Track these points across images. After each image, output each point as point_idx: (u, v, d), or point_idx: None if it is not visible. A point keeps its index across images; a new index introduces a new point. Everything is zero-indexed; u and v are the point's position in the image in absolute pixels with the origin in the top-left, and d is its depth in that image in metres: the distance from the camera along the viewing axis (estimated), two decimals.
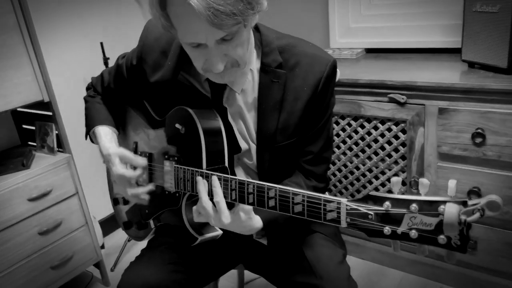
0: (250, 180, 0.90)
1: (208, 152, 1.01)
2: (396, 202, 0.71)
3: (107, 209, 2.48)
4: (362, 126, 1.85)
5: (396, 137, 1.77)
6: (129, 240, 2.34)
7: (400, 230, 0.71)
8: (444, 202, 0.67)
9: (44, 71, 1.77)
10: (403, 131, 1.75)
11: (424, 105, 1.64)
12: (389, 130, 1.78)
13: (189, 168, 1.03)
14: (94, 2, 2.29)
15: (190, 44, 0.89)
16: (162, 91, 1.11)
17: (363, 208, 0.74)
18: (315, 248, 1.11)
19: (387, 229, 0.72)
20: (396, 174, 1.83)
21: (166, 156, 1.11)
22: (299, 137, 1.06)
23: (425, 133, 1.67)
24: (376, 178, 1.90)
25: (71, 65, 2.23)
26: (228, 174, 0.97)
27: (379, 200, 0.73)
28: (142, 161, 1.12)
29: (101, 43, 2.09)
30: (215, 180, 0.92)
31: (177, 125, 1.06)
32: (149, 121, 1.20)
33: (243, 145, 1.09)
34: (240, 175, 1.14)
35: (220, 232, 1.09)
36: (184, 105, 1.07)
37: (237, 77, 1.03)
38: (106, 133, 1.20)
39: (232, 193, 0.92)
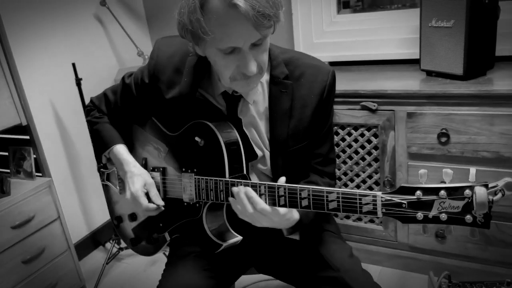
0: (282, 184, 0.99)
1: (230, 162, 1.08)
2: (426, 191, 0.83)
3: (80, 233, 2.42)
4: (337, 133, 1.99)
5: (369, 141, 1.93)
6: (107, 263, 2.29)
7: (431, 214, 0.83)
8: (468, 187, 0.79)
9: (22, 94, 1.73)
10: (375, 136, 1.91)
11: (393, 110, 1.81)
12: (362, 135, 1.94)
13: (211, 178, 1.09)
14: (69, 22, 2.28)
15: (224, 50, 0.95)
16: (177, 107, 1.16)
17: (397, 198, 0.85)
18: (327, 244, 1.21)
19: (419, 215, 0.84)
20: (370, 176, 1.99)
21: (184, 169, 1.16)
22: (309, 141, 1.17)
23: (396, 136, 1.84)
24: (352, 180, 2.05)
25: (45, 87, 2.19)
26: (248, 180, 1.05)
27: (410, 190, 0.84)
28: (160, 202, 1.18)
29: (73, 64, 2.07)
30: (250, 191, 1.00)
31: (196, 138, 1.12)
32: (160, 136, 1.24)
33: (258, 152, 1.17)
34: (254, 180, 1.21)
35: (240, 237, 1.15)
36: (200, 119, 1.13)
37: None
38: (127, 152, 1.25)
39: (262, 197, 1.00)
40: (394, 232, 2.00)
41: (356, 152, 1.99)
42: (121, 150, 1.25)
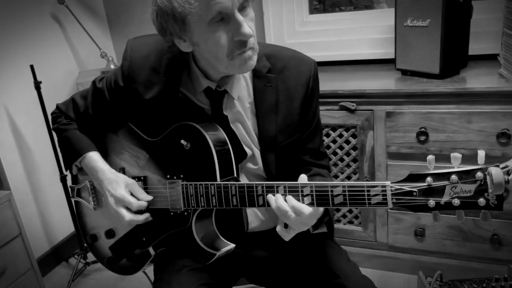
0: (281, 182, 0.93)
1: (220, 164, 1.01)
2: (436, 177, 0.80)
3: (41, 249, 2.24)
4: None
5: (347, 142, 1.91)
6: (73, 280, 2.13)
7: (443, 200, 0.80)
8: (480, 169, 0.78)
9: None
10: (354, 136, 1.89)
11: (372, 110, 1.80)
12: (340, 136, 1.92)
13: (201, 183, 1.02)
14: (24, 21, 2.11)
15: (212, 20, 0.88)
16: (157, 108, 1.08)
17: (407, 186, 0.82)
18: (323, 249, 1.16)
19: (431, 202, 0.81)
20: (348, 177, 1.97)
21: (169, 176, 1.07)
22: (299, 135, 1.12)
23: (375, 136, 1.83)
24: None
25: (0, 91, 2.01)
26: (239, 183, 0.99)
27: (420, 178, 0.82)
28: (147, 197, 1.10)
29: (32, 66, 1.91)
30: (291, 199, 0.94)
31: (182, 142, 1.04)
32: (139, 143, 1.15)
33: (247, 151, 1.11)
34: (244, 181, 1.15)
35: (233, 245, 1.08)
36: (182, 121, 1.06)
37: (234, 82, 1.07)
38: (101, 159, 1.15)
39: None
40: (373, 233, 2.00)
41: (335, 153, 1.96)
42: (94, 157, 1.15)
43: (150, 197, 1.10)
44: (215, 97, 1.08)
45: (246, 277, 1.26)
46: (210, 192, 1.01)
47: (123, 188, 1.09)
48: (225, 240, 1.09)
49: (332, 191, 0.88)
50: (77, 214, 1.31)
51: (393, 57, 1.93)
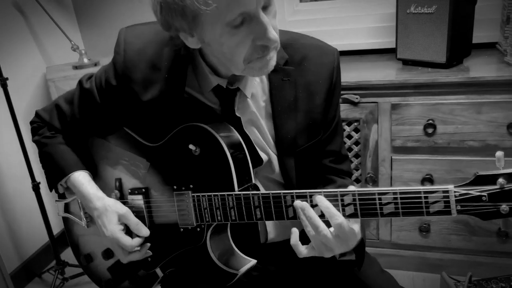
0: (314, 190, 0.81)
1: (237, 171, 0.87)
2: (509, 177, 0.70)
3: (11, 265, 2.00)
4: None
5: (349, 136, 1.81)
6: None
7: None
8: None
9: None
10: (356, 130, 1.79)
11: (377, 102, 1.70)
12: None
13: (216, 194, 0.87)
14: None
15: (233, 21, 0.74)
16: (158, 110, 0.92)
17: (474, 191, 0.71)
18: None
19: (504, 207, 0.70)
20: None
21: (176, 187, 0.92)
22: (321, 136, 0.99)
23: (379, 130, 1.74)
24: None
25: None
26: (258, 191, 0.85)
27: (489, 179, 0.71)
28: (146, 231, 0.95)
29: None
30: (323, 200, 0.79)
31: (190, 146, 0.88)
32: (137, 150, 0.99)
33: (262, 156, 0.97)
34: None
35: (254, 261, 0.94)
36: (188, 122, 0.90)
37: (248, 79, 0.92)
38: (88, 180, 0.99)
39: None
40: (376, 230, 1.91)
41: None
42: (80, 179, 0.99)
43: (147, 232, 0.96)
44: (226, 96, 0.93)
45: None
46: (228, 204, 0.86)
47: (115, 223, 0.94)
48: (245, 256, 0.94)
49: (380, 198, 0.76)
50: (66, 232, 1.13)
51: (392, 46, 1.85)
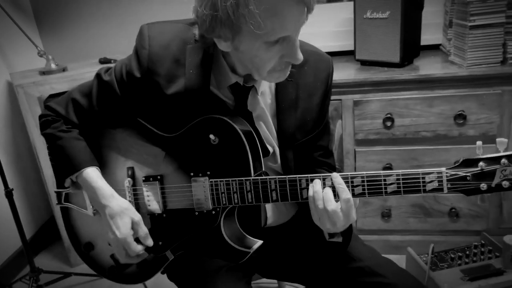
0: (327, 174, 0.92)
1: (253, 158, 0.97)
2: (488, 161, 0.85)
3: None
4: None
5: None
6: None
7: (494, 183, 0.85)
8: None
9: None
10: None
11: (340, 100, 1.86)
12: None
13: (234, 179, 0.97)
14: None
15: (272, 41, 0.85)
16: (179, 103, 1.00)
17: (461, 172, 0.86)
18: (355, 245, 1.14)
19: (483, 185, 0.85)
20: None
21: (192, 173, 1.00)
22: (316, 132, 1.11)
23: (343, 124, 1.90)
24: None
25: None
26: (279, 177, 0.96)
27: (473, 163, 0.86)
28: (151, 242, 1.03)
29: None
30: (337, 177, 0.90)
31: (211, 136, 0.97)
32: (152, 139, 1.06)
33: (269, 148, 1.08)
34: None
35: (261, 241, 1.04)
36: (203, 115, 0.99)
37: None
38: (100, 177, 1.04)
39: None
40: None
41: None
42: (93, 175, 1.03)
43: (151, 243, 1.03)
44: (241, 93, 1.02)
45: (260, 273, 1.22)
46: (246, 188, 0.96)
47: (129, 228, 1.00)
48: (251, 237, 1.04)
49: (385, 180, 0.89)
50: (67, 222, 1.17)
51: (351, 48, 2.02)
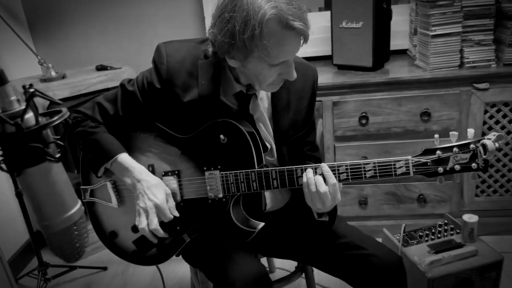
0: (318, 164, 1.13)
1: (256, 154, 1.17)
2: (443, 149, 1.08)
3: None
4: None
5: None
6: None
7: (448, 167, 1.08)
8: (473, 142, 1.06)
9: None
10: None
11: (321, 101, 2.08)
12: None
13: (241, 171, 1.17)
14: None
15: (276, 64, 1.06)
16: (194, 109, 1.19)
17: (423, 158, 1.08)
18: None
19: (440, 169, 1.08)
20: None
21: (206, 168, 1.20)
22: (305, 130, 1.33)
23: (323, 123, 2.12)
24: None
25: None
26: (279, 167, 1.17)
27: (432, 152, 1.08)
28: (177, 213, 1.20)
29: None
30: (325, 166, 1.12)
31: (221, 136, 1.17)
32: (169, 140, 1.24)
33: (267, 145, 1.28)
34: None
35: (263, 223, 1.24)
36: (212, 119, 1.19)
37: None
38: (133, 160, 1.21)
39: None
40: None
41: None
42: (127, 158, 1.21)
43: (177, 214, 1.20)
44: (244, 99, 1.23)
45: (261, 252, 1.42)
46: (251, 178, 1.16)
47: (164, 197, 1.17)
48: (254, 220, 1.24)
49: (364, 167, 1.11)
50: (92, 215, 1.34)
51: (329, 54, 2.24)
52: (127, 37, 2.50)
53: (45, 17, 2.53)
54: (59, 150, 0.57)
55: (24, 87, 0.57)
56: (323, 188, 1.10)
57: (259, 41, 1.00)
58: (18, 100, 0.53)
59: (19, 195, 1.94)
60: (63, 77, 2.21)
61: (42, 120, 0.55)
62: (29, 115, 0.52)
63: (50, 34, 2.56)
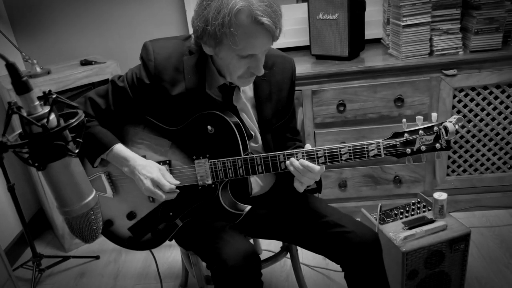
0: (298, 150, 1.24)
1: (241, 142, 1.27)
2: (410, 132, 1.19)
3: None
4: None
5: None
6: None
7: (415, 147, 1.20)
8: (436, 125, 1.18)
9: None
10: None
11: (301, 90, 2.18)
12: None
13: (228, 159, 1.26)
14: None
15: (243, 56, 1.14)
16: (181, 102, 1.27)
17: (393, 141, 1.20)
18: (307, 200, 1.48)
19: (408, 150, 1.20)
20: None
21: (195, 157, 1.29)
22: (287, 117, 1.43)
23: (304, 111, 2.23)
24: None
25: None
26: (263, 154, 1.27)
27: (400, 134, 1.20)
28: (176, 181, 1.28)
29: None
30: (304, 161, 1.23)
31: (208, 127, 1.26)
32: (159, 132, 1.33)
33: (252, 132, 1.38)
34: None
35: (249, 206, 1.34)
36: (200, 111, 1.28)
37: None
38: (128, 149, 1.28)
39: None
40: None
41: None
42: (122, 148, 1.29)
43: (178, 182, 1.28)
44: (227, 91, 1.31)
45: (248, 233, 1.53)
46: (238, 164, 1.26)
47: (158, 171, 1.26)
48: (241, 203, 1.35)
49: (340, 151, 1.22)
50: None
51: (307, 44, 2.34)
52: (109, 32, 2.54)
53: (26, 12, 2.54)
54: (76, 146, 0.66)
55: (44, 92, 0.65)
56: (310, 164, 1.21)
57: (228, 29, 1.09)
58: (41, 105, 0.62)
59: (11, 189, 1.99)
60: (48, 72, 2.25)
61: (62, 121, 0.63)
62: (52, 117, 0.61)
63: (31, 29, 2.58)
